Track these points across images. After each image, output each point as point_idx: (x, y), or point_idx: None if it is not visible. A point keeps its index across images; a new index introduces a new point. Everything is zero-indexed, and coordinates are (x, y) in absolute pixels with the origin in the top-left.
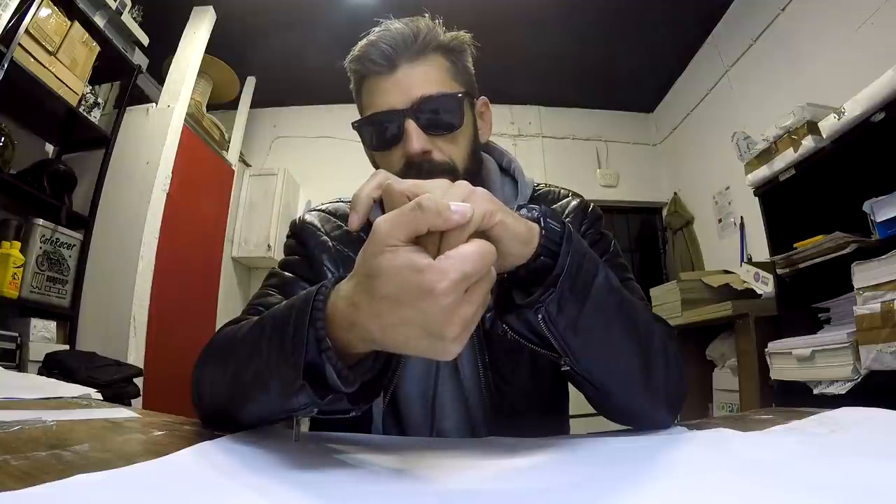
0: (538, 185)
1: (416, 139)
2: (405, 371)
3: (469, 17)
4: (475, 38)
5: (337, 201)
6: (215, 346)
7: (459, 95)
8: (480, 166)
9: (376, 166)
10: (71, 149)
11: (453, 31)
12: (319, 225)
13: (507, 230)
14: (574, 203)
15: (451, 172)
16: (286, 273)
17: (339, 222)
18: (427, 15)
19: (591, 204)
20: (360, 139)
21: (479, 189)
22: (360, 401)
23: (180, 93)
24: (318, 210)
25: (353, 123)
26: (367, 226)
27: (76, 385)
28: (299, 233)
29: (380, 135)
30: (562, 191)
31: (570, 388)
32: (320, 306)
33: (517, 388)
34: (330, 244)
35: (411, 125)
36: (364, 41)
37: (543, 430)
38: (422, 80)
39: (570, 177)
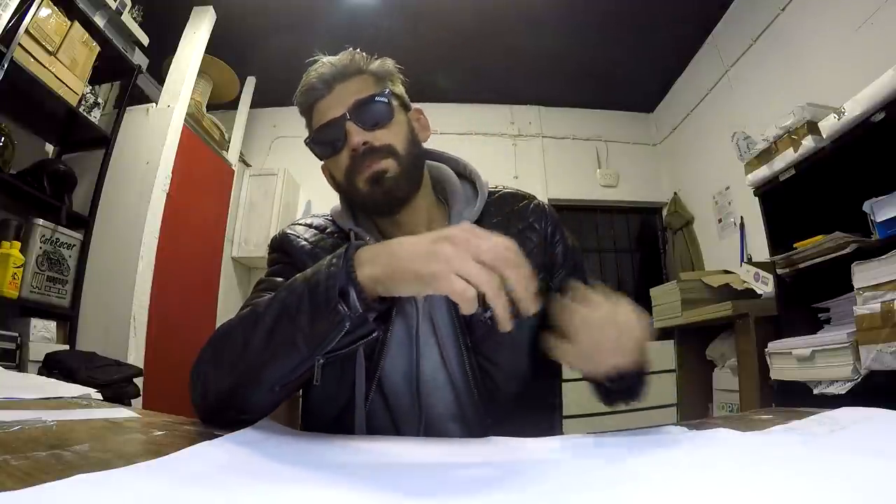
0: (493, 187)
1: (356, 133)
2: (387, 354)
3: (469, 17)
4: (475, 37)
5: (311, 216)
6: (220, 334)
7: (387, 92)
8: (423, 161)
9: (332, 178)
10: (71, 149)
11: (453, 31)
12: (299, 234)
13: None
14: (533, 205)
15: (392, 154)
16: (276, 279)
17: (317, 231)
18: (350, 48)
19: (547, 204)
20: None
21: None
22: (378, 322)
23: (180, 93)
24: (295, 224)
25: (304, 141)
26: (345, 236)
27: (76, 385)
28: (281, 244)
29: (327, 143)
30: (518, 192)
31: (568, 389)
32: (353, 250)
33: (501, 367)
34: (308, 248)
35: (351, 125)
36: (304, 78)
37: (533, 409)
38: (355, 90)
39: (570, 177)
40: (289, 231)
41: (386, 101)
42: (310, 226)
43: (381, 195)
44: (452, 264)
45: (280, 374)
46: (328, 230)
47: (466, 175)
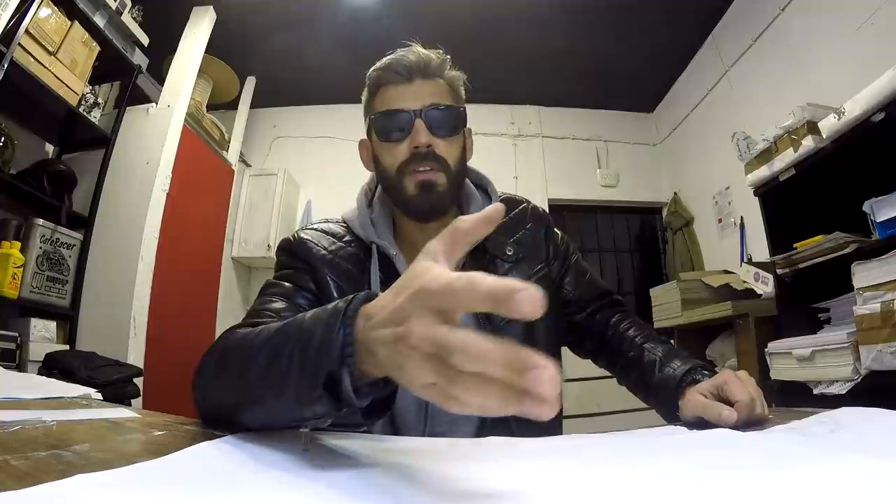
0: (499, 194)
1: (424, 134)
2: None
3: (469, 17)
4: (475, 37)
5: (324, 221)
6: (229, 348)
7: (461, 109)
8: (465, 178)
9: (374, 159)
10: (71, 149)
11: (452, 31)
12: (316, 241)
13: None
14: (531, 208)
15: (445, 168)
16: (286, 283)
17: (334, 238)
18: (441, 50)
19: (538, 206)
20: (362, 136)
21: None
22: (371, 416)
23: (180, 93)
24: (310, 229)
25: (371, 115)
26: (362, 246)
27: (76, 385)
28: (297, 248)
29: (391, 129)
30: (514, 196)
31: (568, 389)
32: (352, 314)
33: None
34: (328, 257)
35: (420, 123)
36: (390, 56)
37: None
38: (432, 92)
39: (570, 177)
40: (305, 236)
41: (459, 115)
42: (325, 232)
43: (428, 204)
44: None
45: (271, 419)
46: (345, 238)
47: (479, 182)
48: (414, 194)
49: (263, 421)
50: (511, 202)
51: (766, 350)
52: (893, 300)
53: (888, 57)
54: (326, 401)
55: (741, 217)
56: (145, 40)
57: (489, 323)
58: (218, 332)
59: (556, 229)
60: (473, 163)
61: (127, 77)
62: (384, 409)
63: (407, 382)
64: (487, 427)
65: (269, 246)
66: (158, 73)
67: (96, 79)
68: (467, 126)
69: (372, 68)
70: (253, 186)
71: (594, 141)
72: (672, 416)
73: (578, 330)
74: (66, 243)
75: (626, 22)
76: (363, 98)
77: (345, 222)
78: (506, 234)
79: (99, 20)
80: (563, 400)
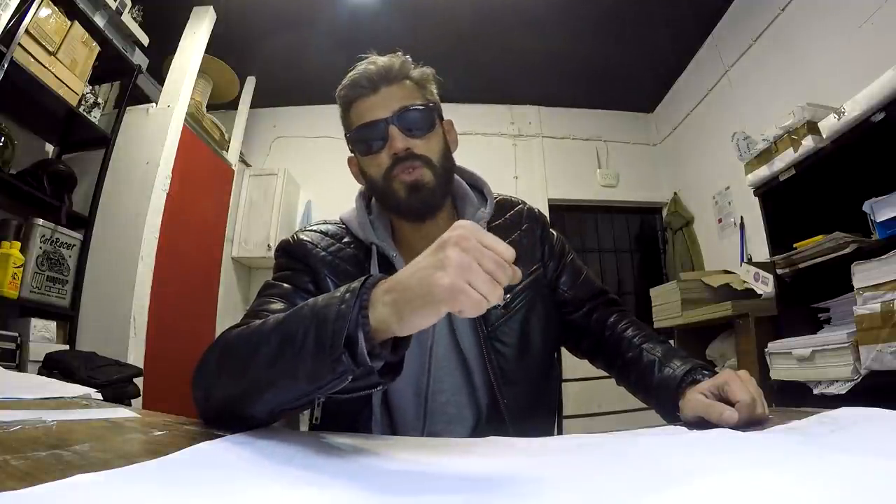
0: (495, 195)
1: (400, 140)
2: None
3: (469, 17)
4: (475, 37)
5: (323, 223)
6: (231, 343)
7: (431, 105)
8: (453, 171)
9: (362, 173)
10: (71, 149)
11: (452, 30)
12: (315, 242)
13: None
14: (526, 209)
15: (429, 164)
16: (285, 284)
17: (333, 240)
18: (400, 52)
19: (535, 208)
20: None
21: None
22: (386, 375)
23: (180, 93)
24: (309, 230)
25: (346, 136)
26: (362, 247)
27: (76, 385)
28: (295, 249)
29: (369, 142)
30: (510, 198)
31: (568, 389)
32: (367, 290)
33: (511, 347)
34: (328, 258)
35: (394, 129)
36: (353, 72)
37: (538, 391)
38: (399, 96)
39: (570, 177)
40: (304, 238)
41: (430, 111)
42: (324, 233)
43: (418, 203)
44: (463, 275)
45: (280, 400)
46: (344, 239)
47: (475, 184)
48: (404, 197)
49: (273, 405)
50: (507, 203)
51: (766, 350)
52: (893, 300)
53: (888, 57)
54: (346, 358)
55: (741, 217)
56: (145, 40)
57: (485, 323)
58: (218, 332)
59: (552, 230)
60: (473, 162)
61: (127, 77)
62: (397, 370)
63: (436, 283)
64: (482, 425)
65: (269, 246)
66: (158, 73)
67: (96, 79)
68: (445, 119)
69: (339, 87)
70: (253, 186)
71: (594, 141)
72: (672, 416)
73: (575, 329)
74: (66, 243)
75: (626, 22)
76: (340, 118)
77: (343, 223)
78: (501, 235)
79: (99, 20)
80: (563, 400)
